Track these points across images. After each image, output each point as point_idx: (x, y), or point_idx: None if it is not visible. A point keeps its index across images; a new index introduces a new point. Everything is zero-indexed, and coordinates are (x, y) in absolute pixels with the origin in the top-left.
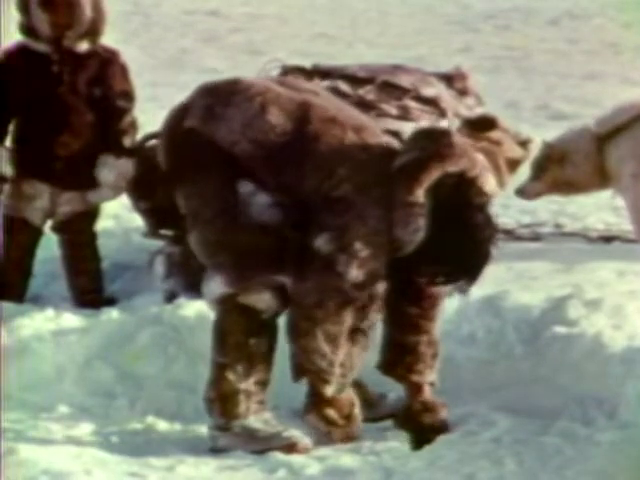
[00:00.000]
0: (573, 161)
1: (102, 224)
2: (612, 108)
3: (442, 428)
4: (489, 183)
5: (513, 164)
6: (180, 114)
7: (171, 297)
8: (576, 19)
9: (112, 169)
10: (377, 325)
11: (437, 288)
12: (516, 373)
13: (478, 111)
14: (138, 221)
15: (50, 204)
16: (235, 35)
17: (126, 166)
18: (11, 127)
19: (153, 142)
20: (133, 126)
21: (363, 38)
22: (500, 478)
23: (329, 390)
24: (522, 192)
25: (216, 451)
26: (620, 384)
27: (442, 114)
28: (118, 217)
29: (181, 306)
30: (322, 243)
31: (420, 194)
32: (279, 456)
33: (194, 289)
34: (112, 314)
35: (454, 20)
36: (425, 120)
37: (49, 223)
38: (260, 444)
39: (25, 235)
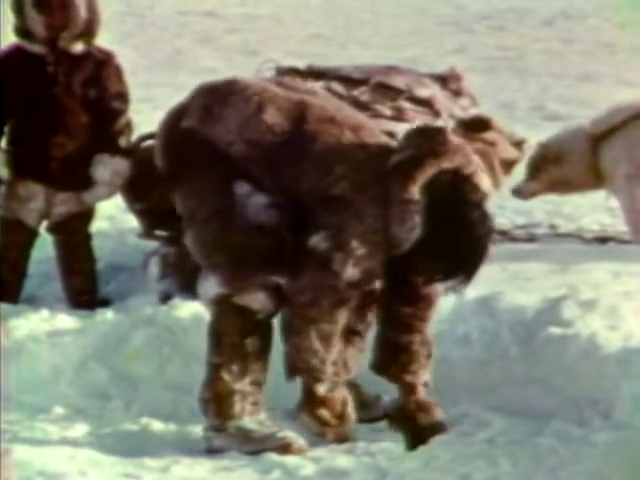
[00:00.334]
0: (569, 161)
1: (97, 225)
2: (607, 109)
3: (437, 428)
4: (484, 181)
5: (508, 165)
6: (177, 114)
7: (166, 298)
8: (571, 19)
9: (107, 167)
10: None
11: (432, 288)
12: (511, 374)
13: (473, 112)
14: (133, 222)
15: (45, 205)
16: (230, 36)
17: (121, 164)
18: (6, 128)
19: (148, 143)
20: (128, 127)
21: (357, 39)
22: (495, 478)
23: (321, 389)
24: (518, 192)
25: (211, 452)
26: (615, 385)
27: (436, 115)
28: (113, 218)
29: (176, 307)
30: (318, 241)
31: (415, 191)
32: (274, 457)
33: (189, 290)
34: (107, 315)
35: (448, 21)
36: (419, 121)
37: (44, 224)
38: (255, 445)
39: (20, 236)
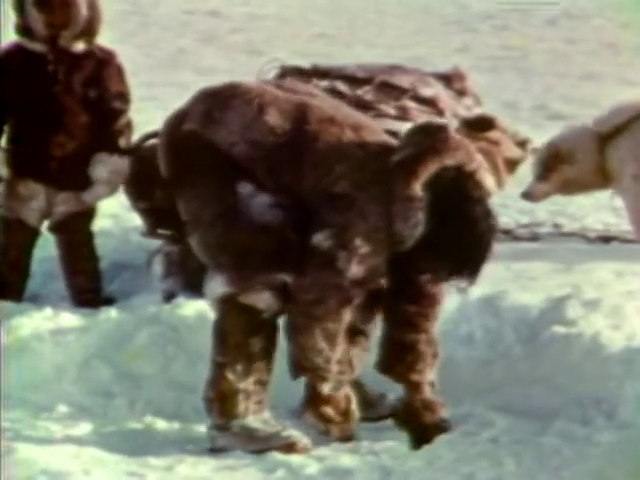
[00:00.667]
0: (579, 160)
1: (100, 224)
2: (610, 108)
3: (442, 427)
4: (487, 177)
5: (511, 164)
6: (179, 119)
7: (170, 297)
8: (574, 19)
9: (106, 166)
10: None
11: (437, 286)
12: (515, 373)
13: (476, 111)
14: (137, 221)
15: (46, 204)
16: (234, 35)
17: (120, 163)
18: (6, 127)
19: (152, 142)
20: (128, 127)
21: (361, 38)
22: (499, 478)
23: (326, 388)
24: (528, 195)
25: (215, 451)
26: (619, 384)
27: (440, 114)
28: (116, 216)
29: (180, 306)
30: (322, 240)
31: (418, 188)
32: (278, 456)
33: (193, 289)
34: (111, 313)
35: (452, 20)
36: (423, 120)
37: (46, 223)
38: (259, 444)
39: (22, 235)
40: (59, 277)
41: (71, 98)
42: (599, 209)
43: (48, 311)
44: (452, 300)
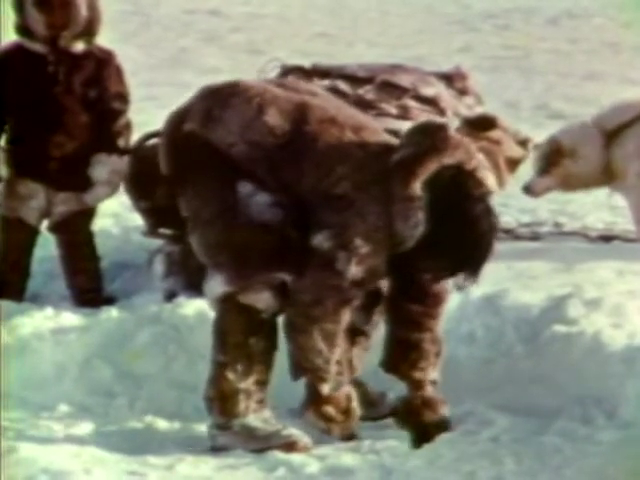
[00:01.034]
0: (583, 156)
1: (101, 223)
2: (612, 106)
3: (443, 425)
4: (487, 176)
5: (513, 163)
6: (179, 118)
7: (170, 296)
8: (576, 19)
9: (105, 166)
10: (379, 325)
11: (441, 285)
12: (515, 372)
13: (478, 110)
14: (137, 220)
15: (45, 204)
16: (235, 34)
17: (119, 163)
18: (6, 127)
19: (153, 141)
20: (127, 128)
21: (363, 38)
22: (499, 477)
23: (326, 388)
24: (529, 189)
25: (216, 450)
26: (620, 383)
27: (442, 113)
28: (117, 216)
29: (181, 305)
30: (321, 240)
31: (417, 187)
32: (278, 455)
33: (193, 288)
34: (111, 313)
35: (454, 20)
36: (425, 119)
37: (46, 223)
38: (259, 443)
39: (21, 235)
40: (60, 277)
41: (71, 98)
42: (600, 208)
43: (49, 311)
44: (453, 299)
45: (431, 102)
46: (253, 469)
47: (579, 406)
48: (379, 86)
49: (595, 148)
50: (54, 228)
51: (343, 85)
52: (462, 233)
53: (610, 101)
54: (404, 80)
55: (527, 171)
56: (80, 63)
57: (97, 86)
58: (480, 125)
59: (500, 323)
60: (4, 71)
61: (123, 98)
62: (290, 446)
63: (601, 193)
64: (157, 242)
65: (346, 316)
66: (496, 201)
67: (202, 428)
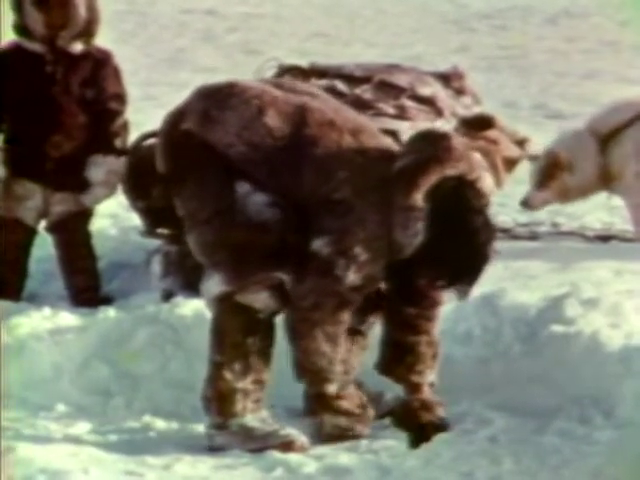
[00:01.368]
0: (581, 167)
1: (99, 223)
2: (605, 108)
3: (440, 426)
4: (488, 184)
5: (510, 163)
6: (177, 117)
7: (168, 296)
8: (574, 18)
9: (101, 167)
10: (375, 326)
11: (437, 290)
12: (513, 372)
13: (475, 110)
14: (135, 220)
15: (43, 204)
16: (232, 34)
17: (115, 163)
18: (3, 126)
19: (150, 141)
20: (125, 128)
21: (360, 37)
22: (497, 477)
23: (331, 388)
24: (527, 203)
25: (213, 450)
26: (617, 383)
27: (439, 113)
28: (115, 216)
29: (178, 305)
30: (321, 246)
31: (419, 198)
32: (276, 455)
33: (191, 288)
34: (109, 313)
35: (451, 19)
36: (422, 119)
37: (43, 223)
38: (257, 443)
39: (19, 235)
40: (58, 277)
41: (69, 99)
42: (597, 208)
43: (47, 311)
44: (450, 299)
45: (428, 102)
46: (251, 469)
47: (577, 406)
48: (376, 86)
49: (590, 158)
50: (52, 228)
51: (340, 85)
52: (460, 244)
53: (608, 100)
54: (401, 80)
55: (525, 171)
56: (78, 63)
57: (95, 86)
58: (477, 125)
59: (497, 323)
60: (2, 70)
61: (120, 99)
62: (288, 446)
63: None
64: (155, 242)
65: (346, 317)
66: (494, 201)
67: (200, 428)
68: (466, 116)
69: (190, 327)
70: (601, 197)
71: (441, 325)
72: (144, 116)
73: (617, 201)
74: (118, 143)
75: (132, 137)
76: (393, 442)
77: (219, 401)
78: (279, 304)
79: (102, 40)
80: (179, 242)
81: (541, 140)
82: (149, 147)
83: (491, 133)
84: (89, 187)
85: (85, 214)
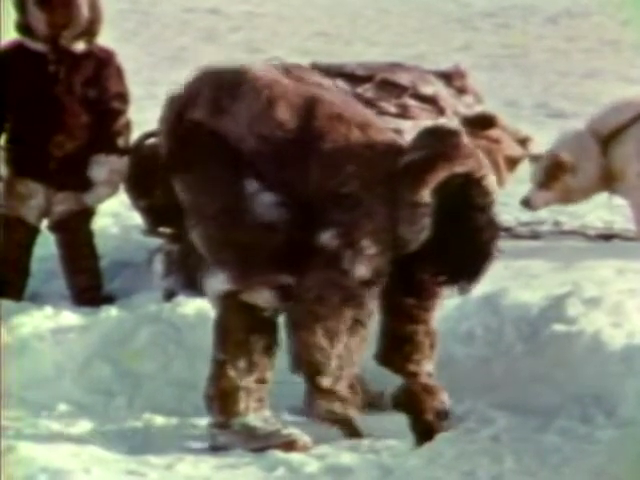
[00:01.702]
0: (583, 168)
1: (101, 222)
2: (606, 107)
3: (441, 412)
4: (493, 184)
5: (512, 162)
6: (183, 104)
7: (170, 295)
8: (575, 17)
9: (104, 166)
10: (374, 318)
11: (438, 285)
12: (515, 371)
13: (477, 109)
14: (137, 219)
15: (45, 203)
16: (234, 33)
17: (118, 162)
18: (6, 126)
19: (152, 140)
20: (127, 128)
21: (362, 36)
22: (499, 476)
23: (325, 381)
24: (528, 202)
25: (215, 449)
26: (619, 382)
27: (441, 112)
28: (117, 215)
29: (180, 304)
30: (328, 239)
31: (426, 194)
32: (278, 454)
33: (193, 287)
34: (111, 312)
35: (453, 18)
36: (424, 118)
37: (45, 222)
38: (259, 442)
39: (21, 234)
40: (60, 276)
41: (71, 98)
42: (599, 207)
43: (48, 310)
44: (452, 298)
45: (430, 101)
46: (253, 468)
47: (578, 405)
48: (378, 85)
49: (592, 159)
50: (54, 227)
51: (342, 83)
52: (463, 241)
53: (609, 99)
54: (403, 79)
55: (527, 170)
56: (80, 63)
57: (97, 86)
58: (479, 124)
59: (499, 322)
60: (4, 70)
61: (123, 98)
62: (290, 445)
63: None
64: (157, 241)
65: (350, 313)
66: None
67: (202, 427)
68: (468, 115)
69: (192, 326)
70: (602, 196)
71: (443, 324)
72: (146, 115)
73: (618, 200)
74: (121, 142)
75: (134, 136)
76: (395, 441)
77: (222, 400)
78: (283, 303)
79: (105, 39)
80: (181, 241)
81: (543, 139)
82: (151, 146)
83: (493, 132)
84: (92, 186)
85: (87, 213)
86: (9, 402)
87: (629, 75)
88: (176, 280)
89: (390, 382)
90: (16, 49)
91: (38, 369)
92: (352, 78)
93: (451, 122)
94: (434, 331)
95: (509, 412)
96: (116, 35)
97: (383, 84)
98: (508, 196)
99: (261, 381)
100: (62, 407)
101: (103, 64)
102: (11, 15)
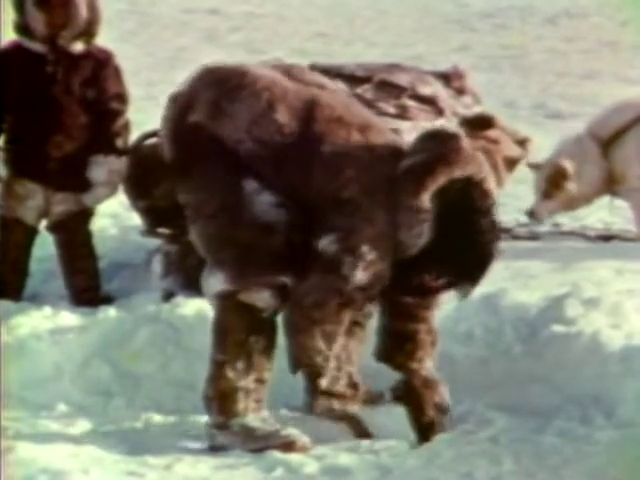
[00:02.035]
0: (585, 174)
1: (100, 223)
2: (606, 110)
3: (442, 406)
4: (493, 186)
5: (511, 163)
6: (184, 105)
7: (169, 295)
8: (573, 18)
9: (103, 167)
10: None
11: (439, 289)
12: (514, 371)
13: (476, 110)
14: (136, 220)
15: (44, 203)
16: (234, 34)
17: (117, 163)
18: (4, 127)
19: (151, 141)
20: (126, 128)
21: (361, 37)
22: (498, 477)
23: (323, 383)
24: (533, 214)
25: (214, 449)
26: (618, 383)
27: (439, 113)
28: (116, 216)
29: (179, 304)
30: (327, 244)
31: (426, 199)
32: (277, 455)
33: (192, 287)
34: (110, 313)
35: (452, 19)
36: (423, 119)
37: (44, 223)
38: (258, 442)
39: (20, 234)
40: (58, 276)
41: (70, 98)
42: (599, 208)
43: (47, 310)
44: (451, 298)
45: (429, 101)
46: (251, 469)
47: (577, 406)
48: (377, 85)
49: (594, 163)
50: (52, 228)
51: (341, 84)
52: (465, 243)
53: (608, 100)
54: (402, 79)
55: (525, 171)
56: (79, 63)
57: (96, 86)
58: (478, 124)
59: (498, 323)
60: (3, 70)
61: (122, 98)
62: (288, 446)
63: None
64: (155, 242)
65: (347, 317)
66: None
67: (201, 427)
68: (467, 116)
69: (191, 327)
70: (603, 198)
71: (442, 325)
72: (145, 116)
73: (618, 201)
74: (119, 143)
75: (133, 137)
76: (394, 442)
77: (221, 400)
78: (282, 303)
79: (103, 40)
80: (180, 242)
81: (541, 140)
82: (150, 147)
83: (492, 133)
84: (91, 187)
85: (86, 214)
86: (8, 402)
87: (628, 76)
88: (175, 281)
89: (388, 380)
90: (14, 49)
91: (37, 369)
92: (351, 79)
93: (450, 123)
94: (435, 329)
95: (508, 413)
96: (115, 36)
97: (382, 85)
98: (507, 196)
99: (260, 381)
100: (61, 407)
101: (102, 64)
102: (9, 15)
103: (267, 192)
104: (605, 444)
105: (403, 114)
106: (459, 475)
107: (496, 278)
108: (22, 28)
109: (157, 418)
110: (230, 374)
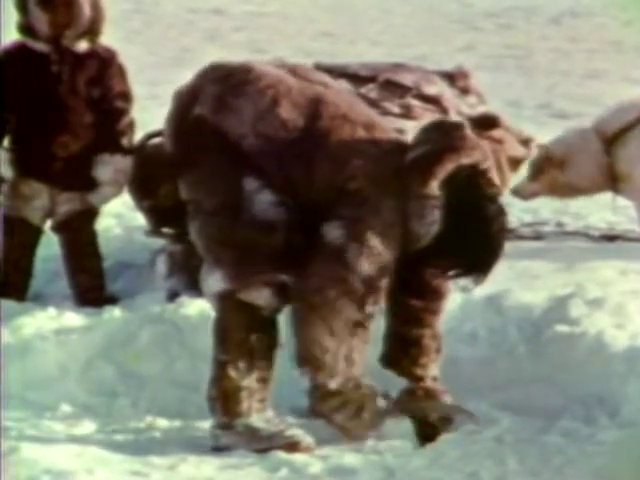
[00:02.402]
0: (576, 164)
1: (104, 223)
2: (612, 108)
3: (445, 417)
4: (495, 175)
5: (515, 162)
6: (189, 99)
7: (173, 296)
8: (578, 18)
9: (109, 166)
10: (377, 319)
11: (442, 280)
12: (518, 372)
13: (480, 109)
14: (140, 220)
15: (49, 203)
16: (238, 33)
17: (123, 162)
18: (9, 127)
19: (155, 140)
20: (131, 127)
21: (365, 36)
22: (502, 477)
23: (333, 384)
24: (517, 192)
25: (218, 450)
26: (622, 383)
27: (444, 112)
28: (120, 216)
29: (183, 305)
30: (333, 233)
31: (435, 186)
32: (281, 455)
33: (196, 287)
34: (114, 313)
35: (456, 19)
36: (427, 118)
37: (49, 222)
38: (262, 443)
39: (25, 234)
40: (63, 276)
41: (75, 98)
42: (602, 208)
43: (51, 310)
44: (455, 298)
45: (434, 101)
46: (256, 469)
47: (582, 406)
48: (382, 85)
49: (590, 156)
50: (57, 227)
51: (346, 84)
52: (474, 232)
53: (612, 100)
54: (407, 79)
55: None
56: (83, 62)
57: (100, 85)
58: (482, 124)
59: (502, 323)
60: (7, 71)
61: (126, 97)
62: (293, 446)
63: (603, 193)
64: (160, 242)
65: (348, 309)
66: None
67: (205, 428)
68: (471, 115)
69: (195, 327)
70: (606, 197)
71: (446, 325)
72: (149, 115)
73: (622, 201)
74: (125, 142)
75: (137, 136)
76: (398, 442)
77: (224, 400)
78: (282, 301)
79: (107, 39)
80: (184, 242)
81: (545, 140)
82: (155, 146)
83: (496, 132)
84: (97, 186)
85: (91, 213)
86: (12, 403)
87: (632, 76)
88: (179, 281)
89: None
90: (19, 50)
91: (41, 370)
92: (355, 78)
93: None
94: (440, 335)
95: (512, 413)
96: (119, 35)
97: (386, 84)
98: (511, 197)
99: (263, 380)
100: (65, 408)
101: (106, 63)
102: (13, 16)
103: (267, 191)
104: (609, 444)
105: (407, 114)
106: (464, 475)
107: (500, 278)
108: (25, 28)
109: (161, 418)
110: (232, 374)
